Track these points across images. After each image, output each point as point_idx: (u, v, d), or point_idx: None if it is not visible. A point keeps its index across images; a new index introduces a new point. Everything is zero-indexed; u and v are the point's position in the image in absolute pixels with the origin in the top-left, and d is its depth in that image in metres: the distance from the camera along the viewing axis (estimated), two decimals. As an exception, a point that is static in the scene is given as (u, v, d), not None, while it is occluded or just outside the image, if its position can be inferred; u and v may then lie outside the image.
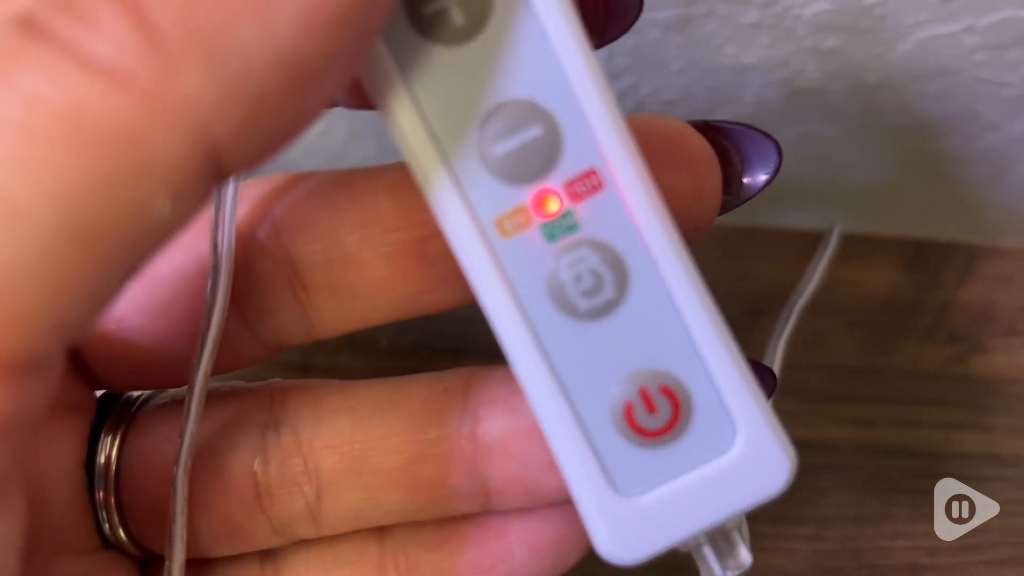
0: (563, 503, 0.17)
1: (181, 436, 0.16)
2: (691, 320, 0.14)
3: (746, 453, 0.15)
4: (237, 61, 0.11)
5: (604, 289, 0.14)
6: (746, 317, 0.30)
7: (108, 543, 0.18)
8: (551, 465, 0.15)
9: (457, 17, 0.13)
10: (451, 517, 0.18)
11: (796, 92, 0.34)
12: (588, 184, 0.14)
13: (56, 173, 0.10)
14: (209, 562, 0.18)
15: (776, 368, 0.29)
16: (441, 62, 0.13)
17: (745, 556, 0.16)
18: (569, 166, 0.14)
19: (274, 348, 0.18)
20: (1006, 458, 0.29)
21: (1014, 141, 0.36)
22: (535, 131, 0.14)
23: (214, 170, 0.11)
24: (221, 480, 0.17)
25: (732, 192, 0.17)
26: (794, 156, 0.36)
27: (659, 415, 0.15)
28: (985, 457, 0.29)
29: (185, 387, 0.18)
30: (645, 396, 0.14)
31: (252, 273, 0.17)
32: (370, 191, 0.17)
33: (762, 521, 0.27)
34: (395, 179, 0.17)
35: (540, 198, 0.14)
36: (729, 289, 0.29)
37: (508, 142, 0.14)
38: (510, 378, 0.16)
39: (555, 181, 0.14)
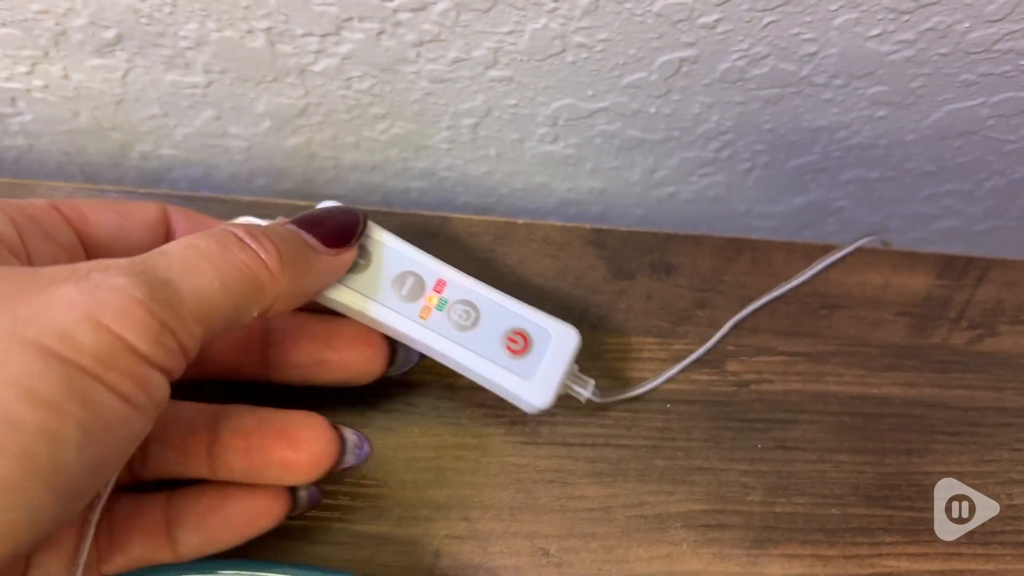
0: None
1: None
2: (512, 307, 0.30)
3: (558, 339, 0.29)
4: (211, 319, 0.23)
5: (471, 316, 0.29)
6: (824, 310, 0.34)
7: None
8: None
9: (362, 262, 0.29)
10: None
11: (853, 146, 0.39)
12: (442, 285, 0.29)
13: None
14: None
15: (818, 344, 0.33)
16: (361, 278, 0.29)
17: (591, 385, 0.30)
18: (432, 282, 0.29)
19: None
20: (1013, 410, 0.33)
21: (1015, 182, 0.41)
22: (412, 279, 0.29)
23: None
24: None
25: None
26: (851, 194, 0.42)
27: (520, 343, 0.29)
28: (998, 409, 0.33)
29: None
30: (511, 339, 0.29)
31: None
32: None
33: (840, 451, 0.32)
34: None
35: (428, 299, 0.29)
36: (811, 291, 0.35)
37: (405, 287, 0.29)
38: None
39: (430, 291, 0.29)
